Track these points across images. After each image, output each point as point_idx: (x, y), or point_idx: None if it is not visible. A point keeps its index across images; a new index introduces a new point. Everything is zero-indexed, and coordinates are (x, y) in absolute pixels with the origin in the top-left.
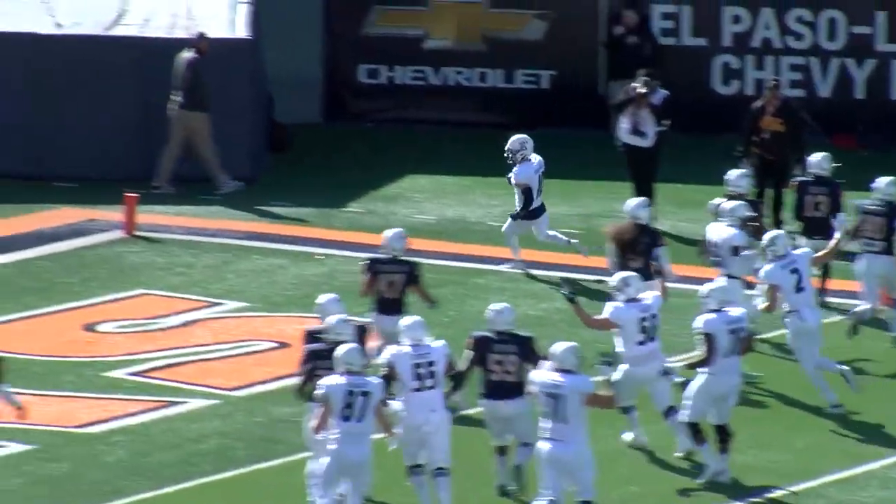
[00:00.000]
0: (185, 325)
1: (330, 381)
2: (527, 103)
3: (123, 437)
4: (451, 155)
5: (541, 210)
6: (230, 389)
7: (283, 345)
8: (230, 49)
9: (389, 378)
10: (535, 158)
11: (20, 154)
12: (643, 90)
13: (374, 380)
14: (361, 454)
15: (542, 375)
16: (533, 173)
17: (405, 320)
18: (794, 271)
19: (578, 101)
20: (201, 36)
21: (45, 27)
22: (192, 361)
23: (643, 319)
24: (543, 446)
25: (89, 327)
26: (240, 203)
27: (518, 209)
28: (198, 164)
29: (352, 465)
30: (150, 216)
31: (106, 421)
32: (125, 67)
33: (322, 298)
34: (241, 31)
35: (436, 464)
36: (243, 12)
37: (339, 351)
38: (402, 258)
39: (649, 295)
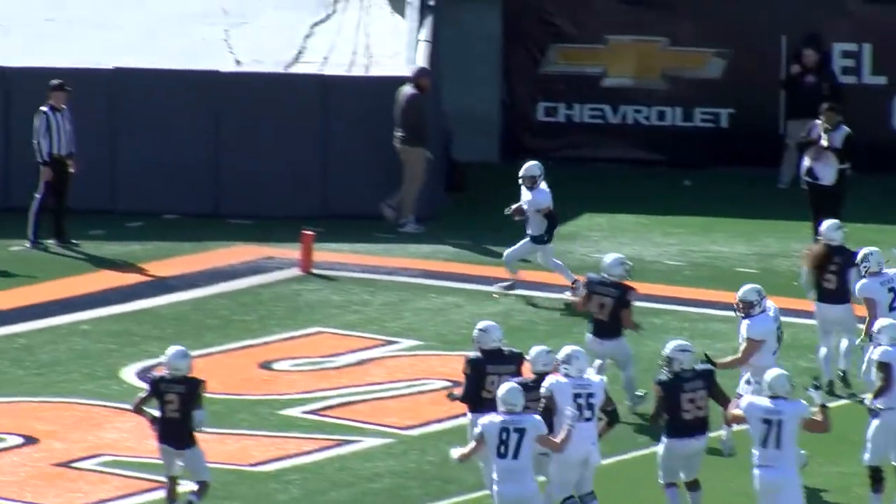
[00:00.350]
0: (360, 363)
1: (485, 420)
2: (705, 142)
3: (297, 475)
4: (628, 193)
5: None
6: (404, 428)
7: (457, 383)
8: None
9: (548, 408)
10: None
11: (200, 192)
12: (824, 141)
13: (532, 416)
14: (520, 491)
15: (757, 401)
16: (551, 198)
17: (566, 350)
18: (891, 290)
19: (757, 140)
20: (421, 71)
21: (226, 65)
22: (367, 400)
23: None
24: (756, 473)
25: (265, 365)
26: (416, 241)
27: (543, 234)
28: (375, 201)
29: (514, 503)
30: (327, 254)
31: (280, 459)
32: (304, 105)
33: (482, 324)
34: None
35: (585, 489)
36: (422, 50)
37: (502, 390)
38: (618, 282)
39: None
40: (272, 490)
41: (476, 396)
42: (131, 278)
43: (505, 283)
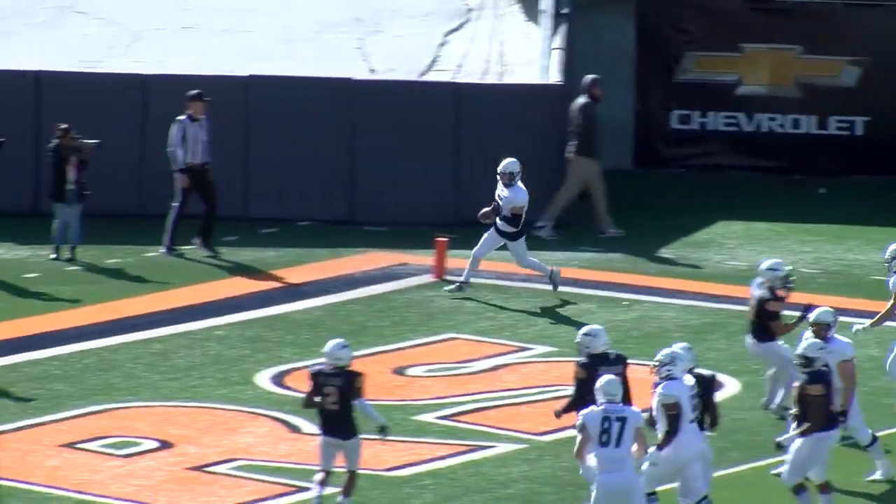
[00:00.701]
0: (493, 369)
1: (586, 411)
2: (840, 150)
3: (431, 480)
4: (762, 201)
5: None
6: (538, 434)
7: None
8: (541, 94)
9: (675, 413)
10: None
11: (335, 198)
12: None
13: (632, 407)
14: (623, 480)
15: None
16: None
17: (670, 350)
18: None
19: (892, 148)
20: (594, 81)
21: (360, 73)
22: (500, 406)
23: None
24: None
25: (399, 371)
26: (550, 248)
27: (516, 230)
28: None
29: (616, 492)
30: (461, 261)
31: (414, 464)
32: (438, 113)
33: (590, 329)
34: (553, 76)
35: (699, 491)
36: (556, 58)
37: (601, 381)
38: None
39: None
40: (406, 495)
41: (584, 402)
42: (265, 284)
43: (456, 284)
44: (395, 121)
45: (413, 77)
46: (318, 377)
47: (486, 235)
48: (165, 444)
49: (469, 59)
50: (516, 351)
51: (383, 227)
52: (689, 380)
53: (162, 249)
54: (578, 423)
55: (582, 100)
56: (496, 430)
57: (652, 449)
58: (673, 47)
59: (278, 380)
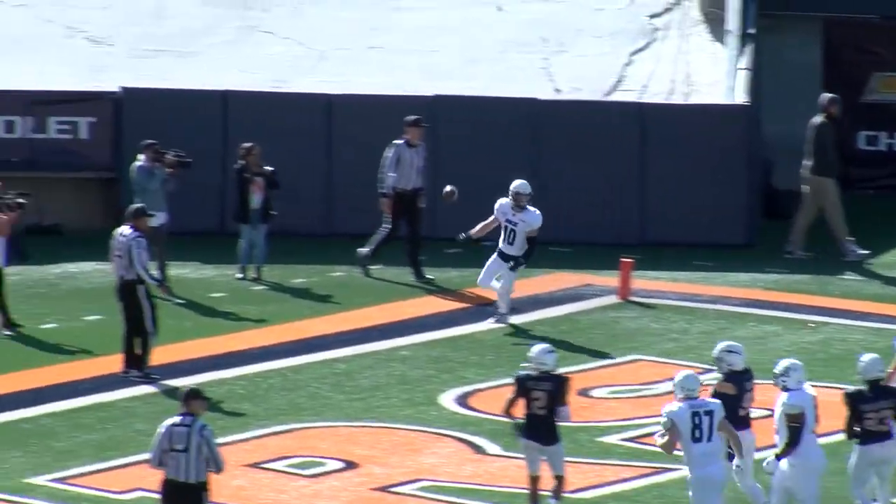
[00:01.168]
0: None
1: (672, 408)
2: None
3: (616, 503)
4: None
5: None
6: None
7: (770, 411)
8: (727, 115)
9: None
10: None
11: None
12: None
13: (714, 400)
14: (720, 471)
15: None
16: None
17: (785, 363)
18: None
19: None
20: (831, 100)
21: (545, 93)
22: None
23: None
24: None
25: (584, 392)
26: (734, 269)
27: (521, 257)
28: (692, 228)
29: (716, 483)
30: (645, 281)
31: (599, 486)
32: (623, 133)
33: (730, 345)
34: (740, 97)
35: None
36: (742, 79)
37: (680, 376)
38: None
39: None
40: None
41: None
42: (450, 304)
43: (496, 317)
44: (580, 141)
45: (598, 97)
46: (525, 382)
47: (488, 264)
48: (350, 465)
49: (654, 79)
50: (701, 373)
51: (568, 247)
52: (812, 390)
53: (364, 250)
54: (666, 421)
55: (818, 119)
56: (680, 453)
57: (770, 458)
58: (859, 68)
59: (462, 400)
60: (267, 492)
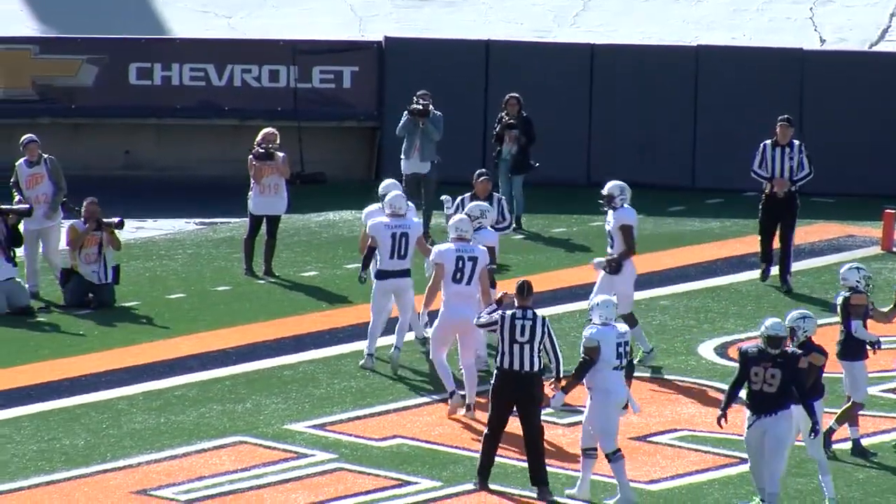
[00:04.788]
0: None
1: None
2: None
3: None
4: None
5: None
6: None
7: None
8: None
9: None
10: None
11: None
12: None
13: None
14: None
15: None
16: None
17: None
18: None
19: None
20: None
21: (811, 43)
22: None
23: None
24: None
25: None
26: None
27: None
28: None
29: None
30: None
31: (867, 436)
32: (890, 84)
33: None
34: None
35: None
36: None
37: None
38: None
39: None
40: None
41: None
42: (709, 255)
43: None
44: (845, 92)
45: (863, 48)
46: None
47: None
48: None
49: None
50: None
51: (831, 198)
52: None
53: None
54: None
55: None
56: None
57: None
58: None
59: (722, 351)
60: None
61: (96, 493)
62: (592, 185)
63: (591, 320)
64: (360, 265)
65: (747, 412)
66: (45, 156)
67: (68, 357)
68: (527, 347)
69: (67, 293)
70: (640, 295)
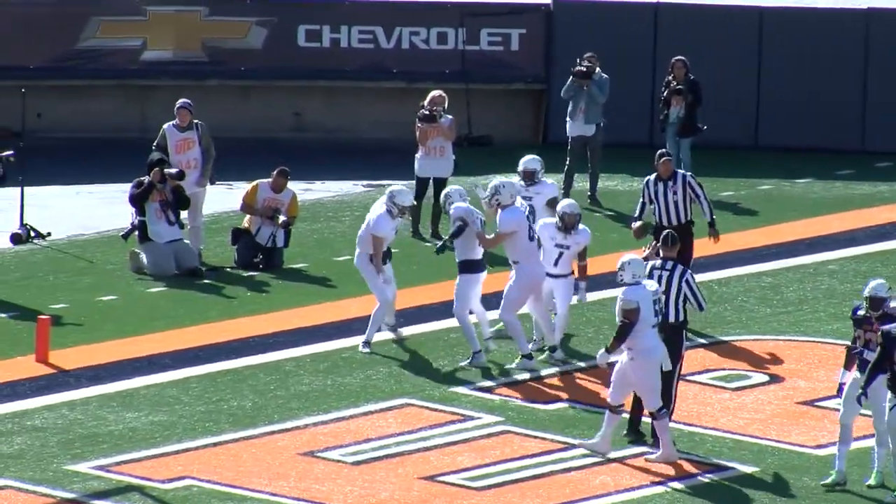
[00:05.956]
0: None
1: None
2: None
3: None
4: None
5: None
6: None
7: None
8: None
9: None
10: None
11: None
12: None
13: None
14: None
15: None
16: None
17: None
18: None
19: None
20: None
21: None
22: None
23: None
24: None
25: None
26: None
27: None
28: None
29: None
30: None
31: None
32: None
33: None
34: None
35: None
36: None
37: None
38: None
39: None
40: None
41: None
42: (880, 218)
43: None
44: None
45: None
46: None
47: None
48: (775, 378)
49: None
50: None
51: None
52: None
53: None
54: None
55: None
56: None
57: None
58: None
59: None
60: (691, 404)
61: (263, 454)
62: (760, 148)
63: (621, 280)
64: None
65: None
66: (197, 121)
67: (236, 318)
68: (662, 298)
69: (237, 254)
70: (807, 259)
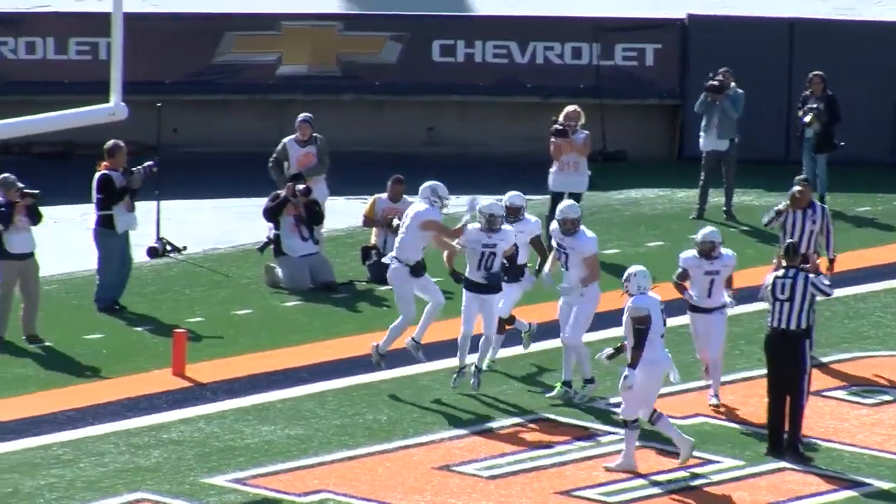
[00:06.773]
0: None
1: None
2: None
3: None
4: None
5: None
6: None
7: None
8: None
9: None
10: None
11: None
12: None
13: None
14: None
15: None
16: None
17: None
18: None
19: None
20: None
21: None
22: None
23: None
24: None
25: None
26: None
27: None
28: None
29: None
30: None
31: None
32: None
33: None
34: None
35: None
36: None
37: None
38: None
39: None
40: None
41: None
42: None
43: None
44: None
45: None
46: None
47: None
48: None
49: None
50: None
51: None
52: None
53: None
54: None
55: None
56: None
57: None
58: None
59: None
60: (828, 420)
61: (399, 467)
62: None
63: (627, 291)
64: None
65: None
66: (316, 135)
67: (372, 332)
68: (786, 305)
69: (368, 270)
70: None
